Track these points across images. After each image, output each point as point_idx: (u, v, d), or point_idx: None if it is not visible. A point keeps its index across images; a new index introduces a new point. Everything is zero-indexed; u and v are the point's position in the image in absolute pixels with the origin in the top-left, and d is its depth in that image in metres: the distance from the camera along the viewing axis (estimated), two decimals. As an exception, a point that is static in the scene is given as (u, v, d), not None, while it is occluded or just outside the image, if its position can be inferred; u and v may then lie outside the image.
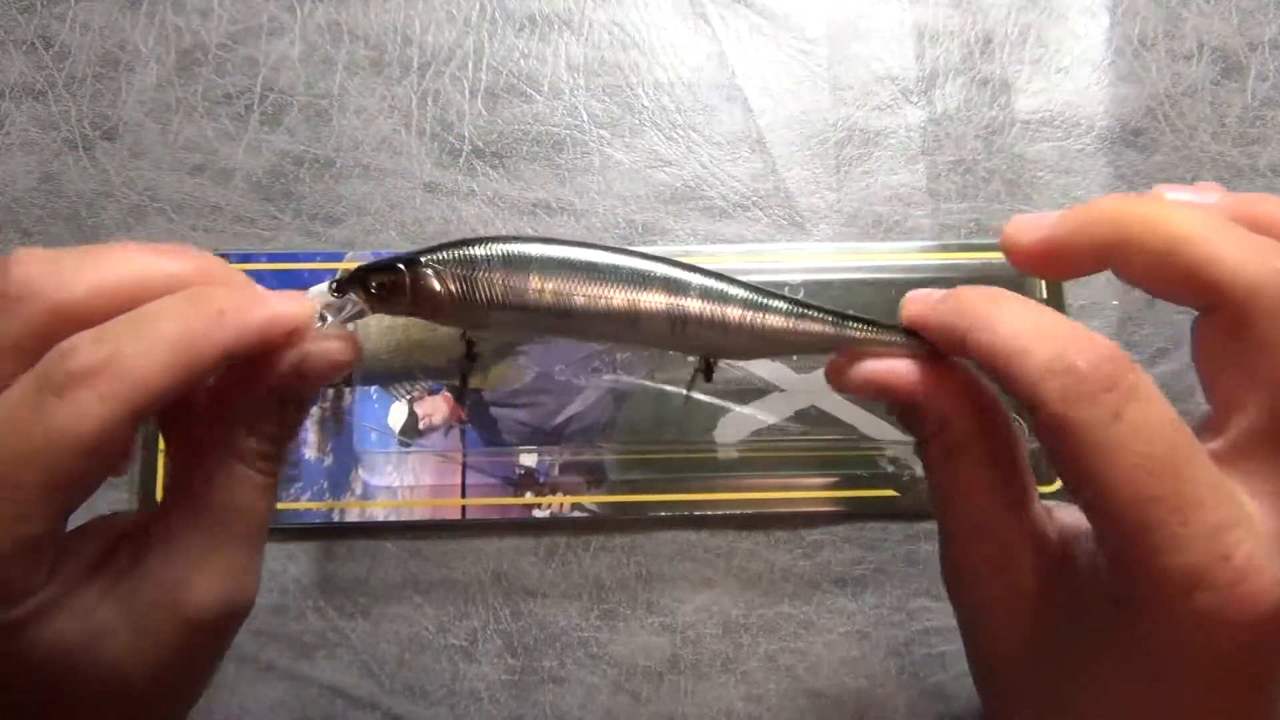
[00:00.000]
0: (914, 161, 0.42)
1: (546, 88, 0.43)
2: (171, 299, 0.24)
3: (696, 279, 0.28)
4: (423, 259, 0.27)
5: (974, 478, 0.27)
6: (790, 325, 0.28)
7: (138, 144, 0.41)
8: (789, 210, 0.42)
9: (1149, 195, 0.27)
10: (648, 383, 0.38)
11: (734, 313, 0.28)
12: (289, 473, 0.38)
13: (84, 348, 0.22)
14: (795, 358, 0.39)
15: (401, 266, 0.27)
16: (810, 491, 0.39)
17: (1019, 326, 0.24)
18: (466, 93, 0.42)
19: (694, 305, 0.28)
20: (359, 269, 0.27)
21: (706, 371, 0.30)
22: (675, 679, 0.37)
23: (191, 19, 0.43)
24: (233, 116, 0.42)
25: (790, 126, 0.43)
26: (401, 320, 0.39)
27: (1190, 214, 0.24)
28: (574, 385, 0.39)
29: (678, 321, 0.28)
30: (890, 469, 0.39)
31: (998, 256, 0.41)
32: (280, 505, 0.38)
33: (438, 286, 0.27)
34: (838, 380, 0.28)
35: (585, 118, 0.42)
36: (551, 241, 0.28)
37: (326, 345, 0.26)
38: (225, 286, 0.25)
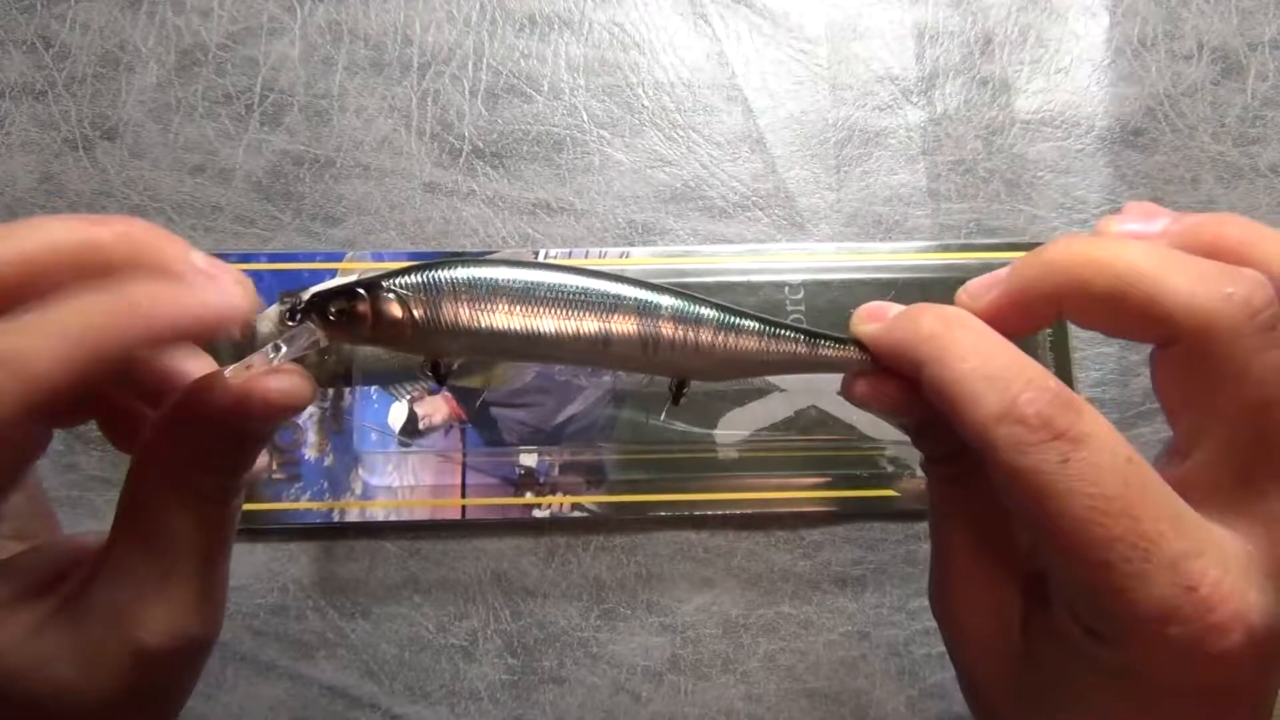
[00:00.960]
0: (914, 161, 0.42)
1: (546, 88, 0.43)
2: (83, 291, 0.22)
3: (668, 300, 0.27)
4: (384, 284, 0.25)
5: (976, 508, 0.27)
6: (762, 345, 0.28)
7: (138, 144, 0.41)
8: (789, 210, 0.42)
9: (1095, 234, 0.26)
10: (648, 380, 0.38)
11: (706, 333, 0.27)
12: (289, 472, 0.38)
13: None
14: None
15: (361, 291, 0.25)
16: (810, 491, 0.39)
17: (969, 366, 0.24)
18: (466, 93, 0.42)
19: (667, 326, 0.27)
20: (316, 294, 0.25)
21: (676, 395, 0.29)
22: (675, 679, 0.37)
23: (191, 19, 0.43)
24: (233, 116, 0.42)
25: (790, 126, 0.43)
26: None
27: (1136, 249, 0.24)
28: (574, 385, 0.39)
29: (650, 343, 0.27)
30: (890, 469, 0.39)
31: (998, 256, 0.41)
32: (280, 505, 0.38)
33: (399, 313, 0.25)
34: (850, 393, 0.28)
35: (585, 118, 0.42)
36: (519, 264, 0.26)
37: (276, 384, 0.24)
38: (150, 275, 0.23)
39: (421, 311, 0.25)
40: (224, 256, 0.40)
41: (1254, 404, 0.23)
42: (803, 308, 0.39)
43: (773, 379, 0.39)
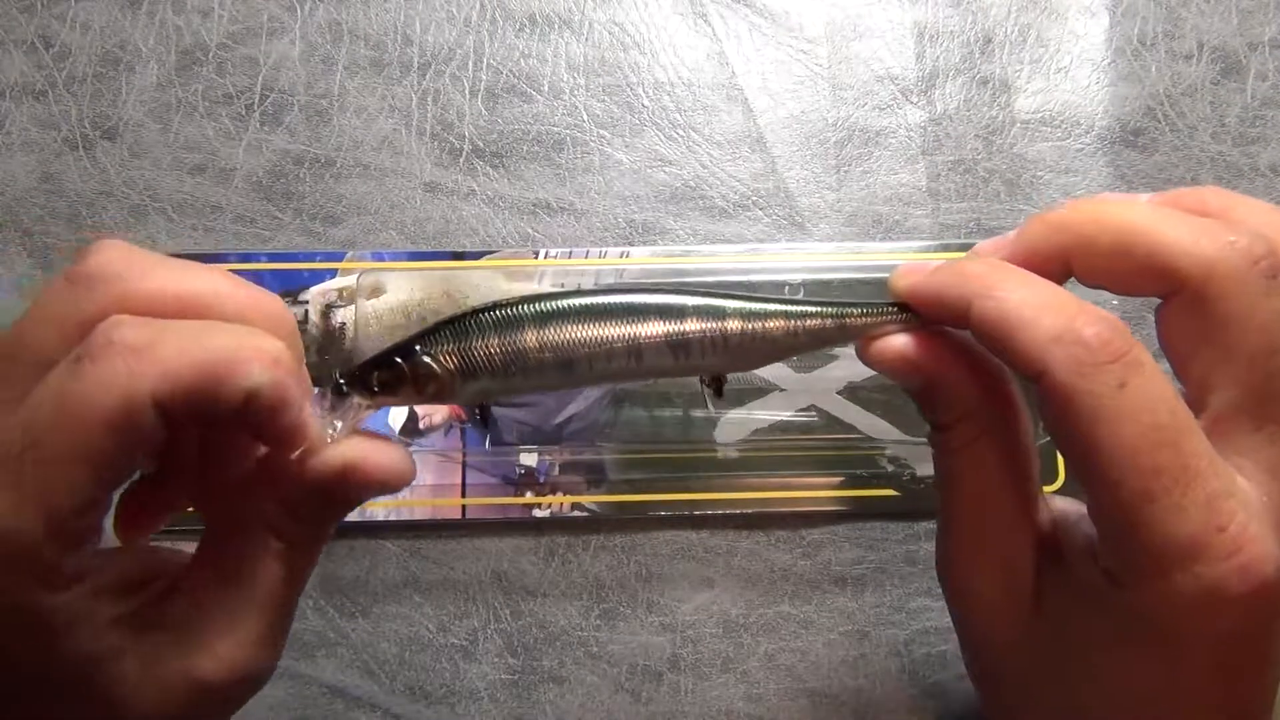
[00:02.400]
0: (914, 161, 0.42)
1: (546, 88, 0.43)
2: (235, 325, 0.24)
3: (691, 301, 0.28)
4: (417, 347, 0.26)
5: (988, 472, 0.27)
6: (790, 326, 0.28)
7: (138, 144, 0.41)
8: (789, 210, 0.42)
9: (1094, 198, 0.27)
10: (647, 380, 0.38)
11: (733, 327, 0.27)
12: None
13: (128, 324, 0.23)
14: (795, 357, 0.38)
15: (399, 360, 0.26)
16: (810, 491, 0.39)
17: (1023, 296, 0.24)
18: (466, 93, 0.42)
19: (693, 329, 0.27)
20: (357, 368, 0.26)
21: (717, 388, 0.29)
22: (675, 679, 0.37)
23: (191, 19, 0.43)
24: (233, 116, 0.42)
25: (790, 126, 0.43)
26: (401, 320, 0.39)
27: (1139, 207, 0.25)
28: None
29: (680, 349, 0.27)
30: (890, 469, 0.39)
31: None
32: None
33: (438, 370, 0.26)
34: (868, 358, 0.28)
35: (585, 118, 0.42)
36: (538, 298, 0.27)
37: (380, 461, 0.25)
38: (286, 345, 0.24)
39: (457, 363, 0.26)
40: (224, 257, 0.40)
41: (1262, 349, 0.24)
42: (803, 307, 0.39)
43: (772, 379, 0.39)
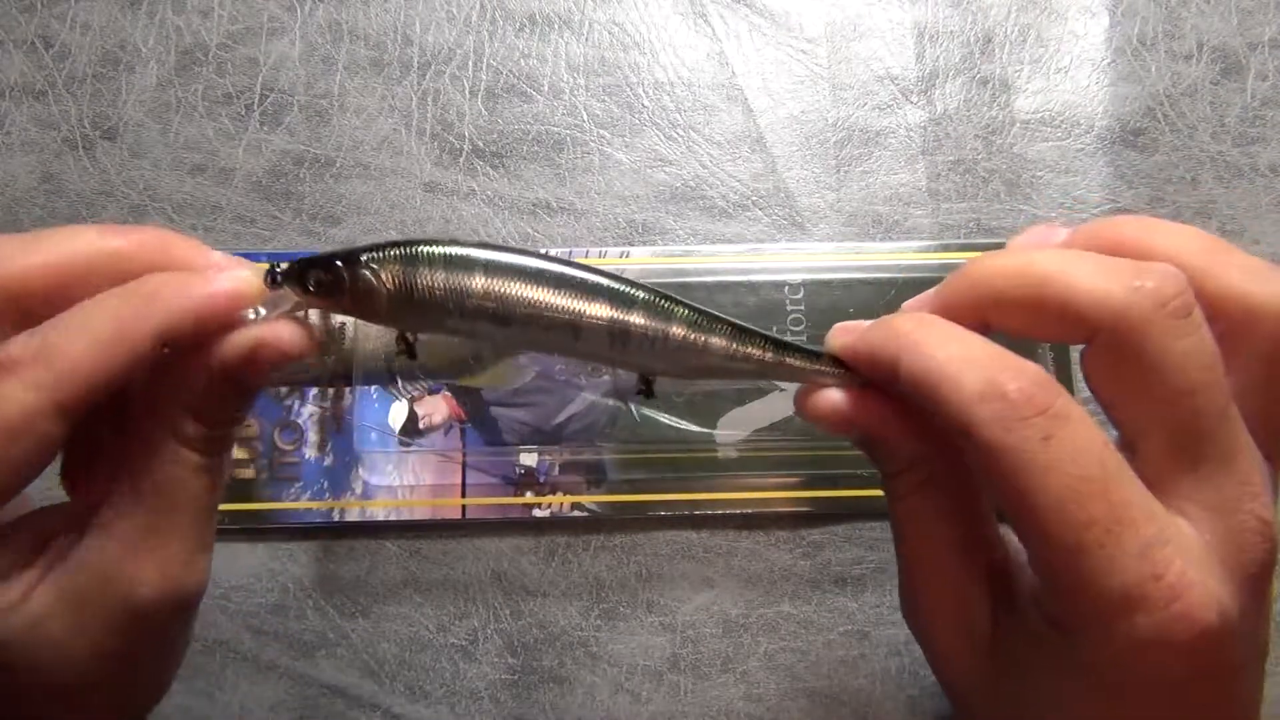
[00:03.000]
0: (914, 161, 0.42)
1: (546, 88, 0.43)
2: (108, 293, 0.24)
3: (642, 295, 0.27)
4: (363, 256, 0.26)
5: (936, 517, 0.27)
6: (731, 349, 0.28)
7: (138, 144, 0.41)
8: (789, 210, 0.42)
9: (1006, 249, 0.27)
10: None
11: (676, 332, 0.27)
12: (289, 472, 0.38)
13: (17, 341, 0.23)
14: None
15: (340, 264, 0.26)
16: (810, 491, 0.39)
17: (949, 352, 0.24)
18: (466, 93, 0.42)
19: (636, 322, 0.27)
20: (297, 263, 0.26)
21: (647, 390, 0.29)
22: (675, 679, 0.37)
23: (191, 19, 0.43)
24: (233, 116, 0.42)
25: (790, 126, 0.43)
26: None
27: (1046, 255, 0.25)
28: (574, 385, 0.39)
29: (619, 338, 0.27)
30: (890, 469, 0.39)
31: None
32: (280, 505, 0.38)
33: (375, 285, 0.26)
34: (803, 410, 0.28)
35: (585, 118, 0.42)
36: (499, 248, 0.27)
37: (282, 333, 0.25)
38: (164, 271, 0.25)
39: (396, 283, 0.26)
40: (224, 256, 0.40)
41: (1180, 391, 0.23)
42: (803, 307, 0.39)
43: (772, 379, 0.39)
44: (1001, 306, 0.25)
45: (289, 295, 0.26)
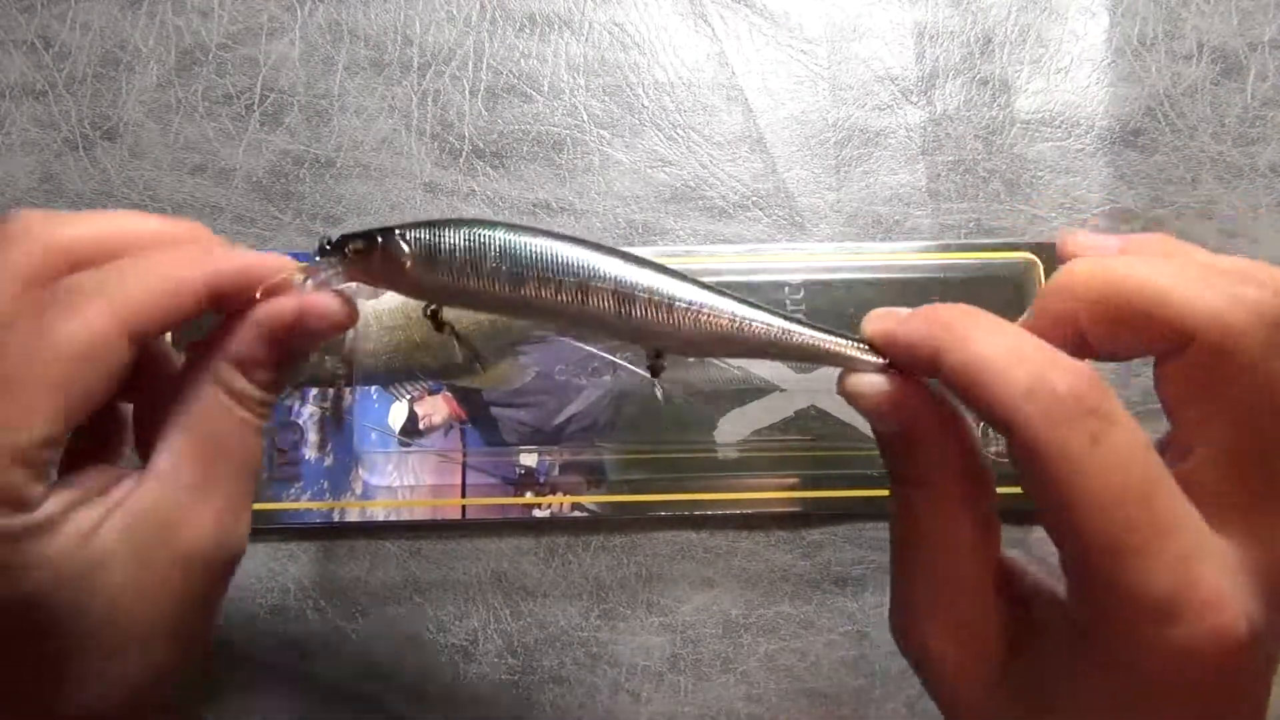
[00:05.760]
0: (914, 161, 0.42)
1: (546, 88, 0.43)
2: (167, 247, 0.27)
3: (651, 269, 0.28)
4: (396, 231, 0.28)
5: (954, 532, 0.26)
6: (736, 323, 0.28)
7: (138, 144, 0.41)
8: (789, 210, 0.42)
9: (1095, 258, 0.26)
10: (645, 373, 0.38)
11: (681, 305, 0.28)
12: (289, 472, 0.38)
13: (85, 275, 0.25)
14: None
15: (377, 234, 0.28)
16: (811, 491, 0.39)
17: (996, 345, 0.23)
18: (466, 93, 0.42)
19: (643, 280, 0.28)
20: (339, 236, 0.29)
21: (655, 363, 0.30)
22: (675, 679, 0.37)
23: (191, 19, 0.43)
24: (233, 116, 0.42)
25: (790, 126, 0.43)
26: (401, 320, 0.39)
27: (1147, 264, 0.24)
28: (574, 385, 0.39)
29: (625, 302, 0.28)
30: (890, 469, 0.39)
31: (997, 257, 0.41)
32: (280, 505, 0.38)
33: (404, 251, 0.28)
34: (845, 389, 0.27)
35: (585, 118, 0.42)
36: (522, 228, 0.29)
37: (325, 301, 0.28)
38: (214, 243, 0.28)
39: (422, 251, 0.28)
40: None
41: (1261, 409, 0.23)
42: (803, 307, 0.39)
43: (772, 379, 0.39)
44: (1098, 317, 0.25)
45: (333, 270, 0.28)
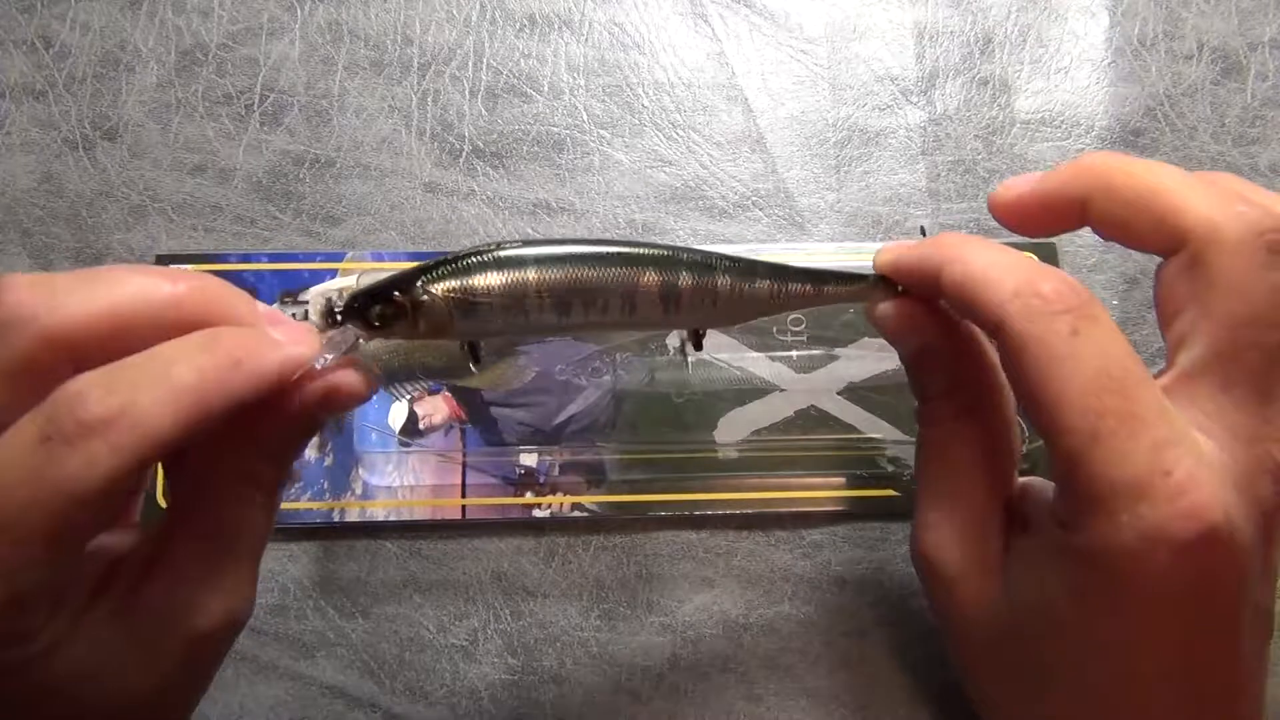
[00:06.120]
0: (914, 161, 0.42)
1: (546, 88, 0.43)
2: (184, 344, 0.23)
3: (685, 256, 0.29)
4: (418, 282, 0.26)
5: (965, 446, 0.29)
6: (774, 289, 0.29)
7: (138, 144, 0.41)
8: (789, 210, 0.42)
9: (1124, 154, 0.28)
10: (648, 379, 0.38)
11: (723, 284, 0.29)
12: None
13: (94, 396, 0.21)
14: (795, 357, 0.39)
15: (398, 294, 0.26)
16: (810, 491, 0.39)
17: (990, 258, 0.26)
18: (466, 93, 0.42)
19: (686, 283, 0.28)
20: (355, 298, 0.26)
21: (696, 341, 0.31)
22: (675, 679, 0.37)
23: (191, 19, 0.43)
24: (233, 116, 0.42)
25: (790, 126, 0.43)
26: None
27: (1163, 168, 0.26)
28: (574, 385, 0.39)
29: (671, 301, 0.28)
30: (890, 469, 0.39)
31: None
32: (280, 505, 0.38)
33: (437, 305, 0.26)
34: (873, 316, 0.30)
35: (585, 118, 0.42)
36: (541, 242, 0.28)
37: (348, 381, 0.25)
38: (235, 327, 0.24)
39: (456, 299, 0.26)
40: (224, 257, 0.40)
41: (1245, 317, 0.24)
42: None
43: (772, 379, 0.39)
44: (1107, 198, 0.26)
45: (348, 332, 0.26)
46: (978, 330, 0.30)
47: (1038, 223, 0.28)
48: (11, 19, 0.42)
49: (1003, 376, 0.29)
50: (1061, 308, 0.24)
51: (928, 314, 0.29)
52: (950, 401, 0.29)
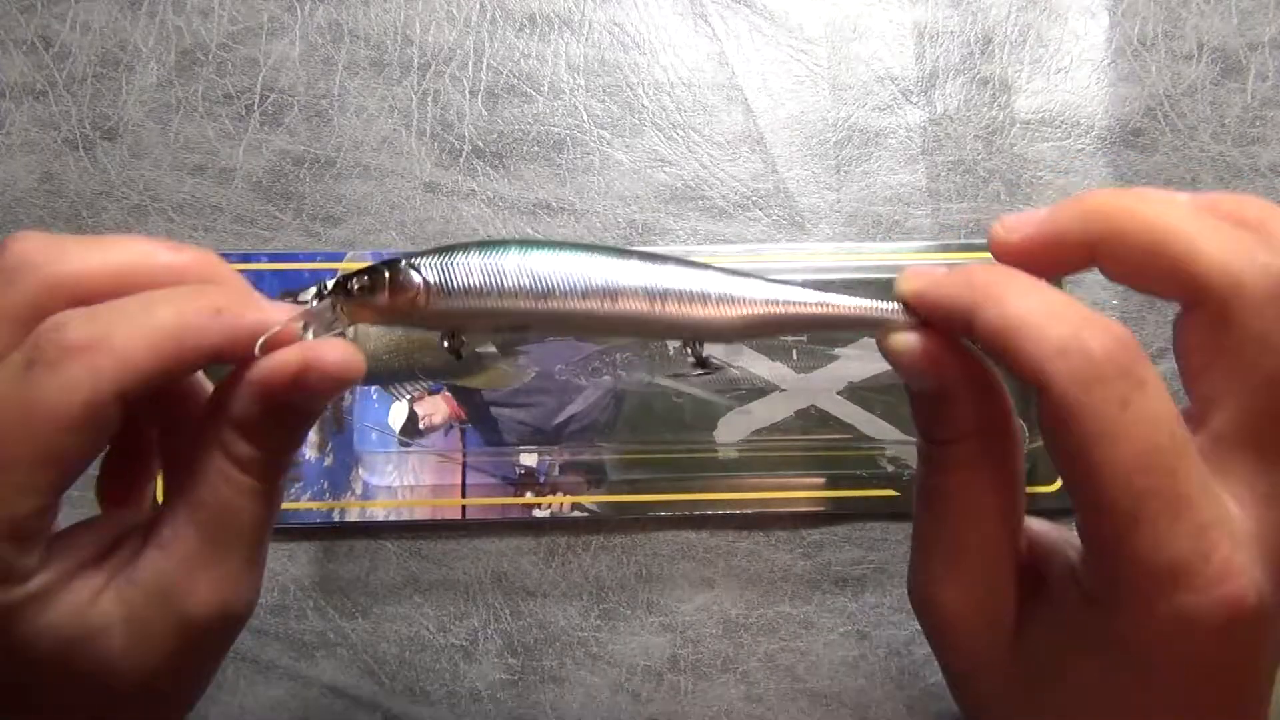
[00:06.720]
0: (914, 161, 0.42)
1: (546, 88, 0.43)
2: (170, 290, 0.24)
3: (674, 259, 0.28)
4: (402, 261, 0.27)
5: (981, 494, 0.26)
6: (772, 298, 0.28)
7: (138, 144, 0.41)
8: (789, 210, 0.42)
9: (1134, 190, 0.26)
10: (648, 379, 0.38)
11: (713, 287, 0.27)
12: (290, 472, 0.38)
13: (75, 322, 0.22)
14: (795, 357, 0.39)
15: (380, 267, 0.26)
16: (810, 491, 0.39)
17: (1031, 304, 0.23)
18: (466, 93, 0.42)
19: (672, 280, 0.27)
20: (342, 276, 0.26)
21: (699, 361, 0.29)
22: (675, 679, 0.37)
23: (191, 19, 0.43)
24: (233, 116, 0.42)
25: (790, 126, 0.42)
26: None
27: (1175, 209, 0.24)
28: (574, 385, 0.39)
29: (656, 297, 0.27)
30: (890, 469, 0.39)
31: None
32: (280, 505, 0.38)
33: (416, 279, 0.26)
34: (886, 347, 0.27)
35: (585, 118, 0.42)
36: (532, 241, 0.27)
37: (329, 351, 0.25)
38: (223, 286, 0.25)
39: (436, 277, 0.26)
40: (224, 257, 0.40)
41: (1275, 375, 0.23)
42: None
43: (772, 379, 0.39)
44: (1117, 246, 0.25)
45: (337, 313, 0.26)
46: (996, 371, 0.27)
47: (1043, 269, 0.26)
48: (11, 19, 0.42)
49: (1017, 422, 0.27)
50: (1112, 372, 0.22)
51: (953, 352, 0.26)
52: (965, 447, 0.26)
